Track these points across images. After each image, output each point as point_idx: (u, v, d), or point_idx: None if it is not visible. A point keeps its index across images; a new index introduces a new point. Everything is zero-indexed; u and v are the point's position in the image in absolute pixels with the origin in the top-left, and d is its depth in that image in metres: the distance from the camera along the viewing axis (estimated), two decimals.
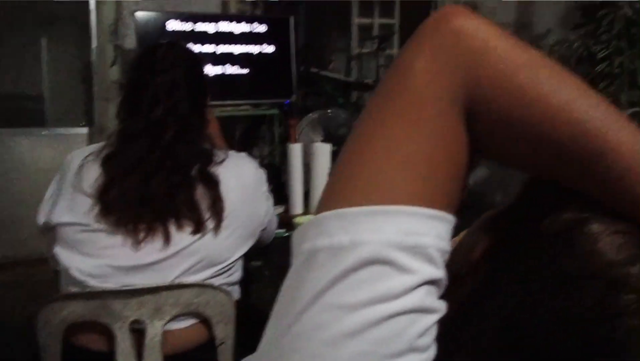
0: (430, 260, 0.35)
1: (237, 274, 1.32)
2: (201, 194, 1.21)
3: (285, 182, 2.14)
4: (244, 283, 2.17)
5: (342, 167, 0.39)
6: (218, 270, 1.24)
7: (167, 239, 1.17)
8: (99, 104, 4.21)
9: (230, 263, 1.26)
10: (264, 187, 1.38)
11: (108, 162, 1.22)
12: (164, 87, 1.26)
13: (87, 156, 1.24)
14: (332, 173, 0.40)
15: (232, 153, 1.33)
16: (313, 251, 0.35)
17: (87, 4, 4.07)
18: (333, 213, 0.36)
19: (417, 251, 0.35)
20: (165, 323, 1.18)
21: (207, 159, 1.25)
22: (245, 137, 4.18)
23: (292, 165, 1.98)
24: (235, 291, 1.32)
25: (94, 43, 4.13)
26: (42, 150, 4.06)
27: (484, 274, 0.43)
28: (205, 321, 1.22)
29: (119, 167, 1.20)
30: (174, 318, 1.19)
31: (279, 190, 2.44)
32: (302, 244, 0.37)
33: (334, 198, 0.38)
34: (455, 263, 0.40)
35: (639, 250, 0.38)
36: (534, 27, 5.21)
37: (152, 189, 1.17)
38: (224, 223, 1.22)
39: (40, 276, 1.35)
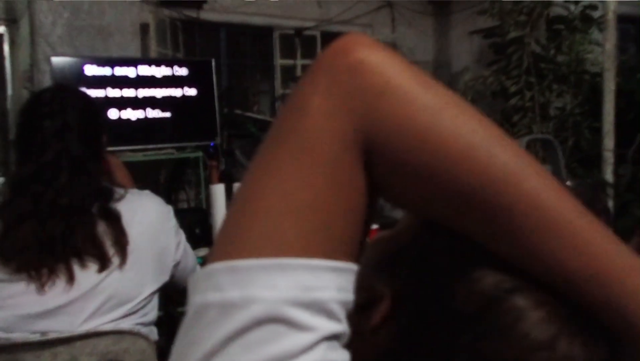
0: (330, 314, 0.33)
1: (152, 314, 1.30)
2: (103, 230, 1.20)
3: (212, 224, 2.13)
4: (170, 329, 2.13)
5: (234, 214, 0.37)
6: (129, 309, 1.22)
7: (70, 279, 1.15)
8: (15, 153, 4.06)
9: (141, 301, 1.25)
10: (171, 221, 1.37)
11: (2, 211, 1.19)
12: (53, 130, 1.25)
13: None
14: (225, 220, 0.37)
15: (133, 191, 1.34)
16: (203, 305, 0.33)
17: (1, 50, 3.96)
18: (224, 265, 0.34)
19: (315, 307, 0.32)
20: None
21: (106, 196, 1.25)
22: (170, 181, 4.13)
23: (216, 207, 1.99)
24: (153, 332, 1.30)
25: (9, 90, 4.01)
26: None
27: (390, 346, 0.41)
28: None
29: (13, 214, 1.18)
30: None
31: (206, 232, 2.43)
32: (193, 296, 0.34)
33: (226, 248, 0.35)
34: (357, 321, 0.37)
35: (561, 323, 0.35)
36: (452, 65, 5.49)
37: (49, 232, 1.16)
38: (130, 260, 1.21)
39: None
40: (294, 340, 0.31)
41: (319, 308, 0.32)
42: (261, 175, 0.36)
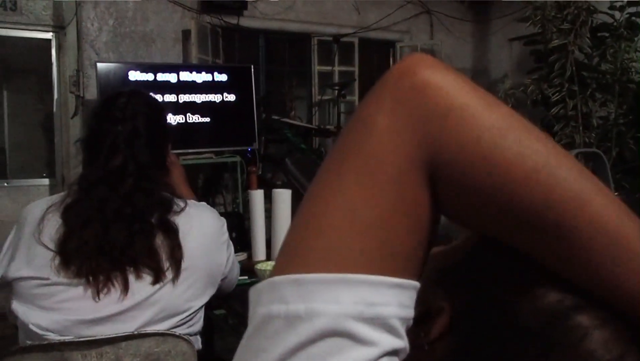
0: (391, 330, 0.33)
1: (198, 324, 1.31)
2: (160, 243, 1.21)
3: (248, 229, 2.15)
4: (207, 332, 2.16)
5: (299, 228, 0.37)
6: (178, 321, 1.23)
7: (125, 289, 1.16)
8: (60, 155, 4.19)
9: (191, 314, 1.26)
10: (225, 235, 1.37)
11: (67, 212, 1.21)
12: (124, 136, 1.26)
13: (49, 207, 1.24)
14: (289, 233, 0.38)
15: (192, 203, 1.33)
16: (267, 317, 0.34)
17: (48, 55, 4.09)
18: (289, 278, 0.34)
19: (377, 322, 0.33)
20: None
21: (167, 208, 1.25)
22: (208, 185, 4.19)
23: (254, 212, 2.01)
24: (197, 342, 1.31)
25: (56, 94, 4.14)
26: (2, 202, 4.00)
27: (450, 359, 0.41)
28: None
29: (78, 217, 1.19)
30: None
31: (243, 237, 2.45)
32: (257, 307, 0.35)
33: (290, 261, 0.36)
34: (416, 334, 0.38)
35: (625, 344, 0.35)
36: (491, 72, 5.44)
37: (111, 238, 1.17)
38: (184, 274, 1.21)
39: (1, 332, 1.32)
40: (357, 354, 0.32)
41: (381, 323, 0.33)
42: (326, 192, 0.37)
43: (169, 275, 1.19)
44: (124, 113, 1.29)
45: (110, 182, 1.22)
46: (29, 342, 1.16)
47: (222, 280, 1.37)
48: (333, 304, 0.33)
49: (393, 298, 0.34)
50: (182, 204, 1.28)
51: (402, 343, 0.34)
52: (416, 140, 0.36)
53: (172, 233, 1.21)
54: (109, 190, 1.21)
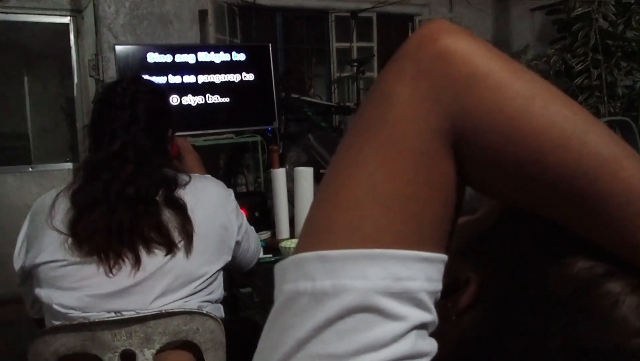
0: (419, 304, 0.33)
1: (217, 292, 1.34)
2: (169, 218, 1.24)
3: (271, 208, 2.16)
4: (232, 309, 2.18)
5: (322, 204, 0.37)
6: (196, 287, 1.26)
7: (137, 263, 1.20)
8: (83, 139, 4.23)
9: (207, 279, 1.29)
10: (232, 203, 1.40)
11: (75, 196, 1.25)
12: (122, 122, 1.29)
13: (59, 193, 1.28)
14: (312, 209, 0.37)
15: (196, 176, 1.37)
16: (294, 293, 0.34)
17: (67, 40, 4.11)
18: (314, 255, 0.34)
19: (405, 296, 0.33)
20: (156, 352, 1.19)
21: (171, 185, 1.28)
22: (229, 166, 4.21)
23: (277, 191, 2.01)
24: (219, 310, 1.35)
25: (75, 79, 4.17)
26: (28, 187, 4.07)
27: (476, 330, 0.41)
28: (195, 347, 1.23)
29: (86, 200, 1.23)
30: (164, 346, 1.20)
31: (266, 216, 2.46)
32: (283, 284, 0.35)
33: (315, 237, 0.35)
34: (443, 305, 0.38)
35: None
36: (512, 43, 5.33)
37: (117, 219, 1.20)
38: (195, 242, 1.25)
39: (26, 314, 1.37)
40: (386, 329, 0.32)
41: (409, 297, 0.33)
42: (348, 166, 0.36)
43: (181, 246, 1.23)
44: (123, 99, 1.32)
45: (112, 166, 1.25)
46: (56, 323, 1.18)
47: (237, 246, 1.39)
48: (360, 280, 0.32)
49: (421, 272, 0.34)
50: (186, 178, 1.31)
51: (430, 316, 0.34)
52: (439, 110, 0.35)
53: (179, 208, 1.25)
54: (111, 174, 1.24)
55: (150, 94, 1.38)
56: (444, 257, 0.36)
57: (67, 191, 1.27)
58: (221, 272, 1.36)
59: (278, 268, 0.36)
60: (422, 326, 0.33)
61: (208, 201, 1.33)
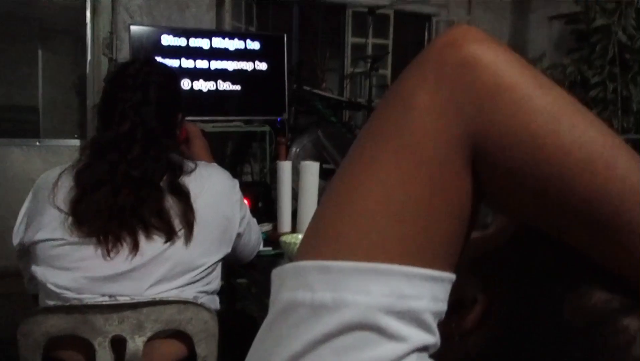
0: (422, 325, 0.31)
1: (215, 283, 1.33)
2: (171, 205, 1.23)
3: (275, 200, 2.14)
4: (229, 298, 2.17)
5: (328, 210, 0.35)
6: (193, 277, 1.25)
7: (135, 248, 1.18)
8: (92, 117, 4.22)
9: (206, 270, 1.28)
10: (237, 195, 1.39)
11: (80, 175, 1.24)
12: (133, 103, 1.28)
13: (63, 170, 1.26)
14: (318, 214, 0.35)
15: (202, 163, 1.35)
16: (292, 303, 0.32)
17: (83, 16, 4.10)
18: (316, 264, 0.32)
19: (408, 316, 0.31)
20: (147, 340, 1.18)
21: (177, 170, 1.27)
22: (236, 154, 4.19)
23: (281, 183, 1.99)
24: (215, 302, 1.33)
25: (89, 56, 4.16)
26: (34, 161, 4.07)
27: (480, 352, 0.39)
28: (187, 337, 1.22)
29: (90, 179, 1.22)
30: (156, 334, 1.19)
31: (269, 207, 2.45)
32: (280, 292, 0.33)
33: (318, 245, 0.33)
34: (447, 324, 0.35)
35: None
36: (528, 50, 5.29)
37: (120, 201, 1.19)
38: (195, 230, 1.23)
39: (24, 288, 1.36)
40: (386, 349, 0.30)
41: (413, 317, 0.31)
42: (359, 172, 0.34)
43: (181, 234, 1.21)
44: (135, 80, 1.32)
45: (120, 146, 1.24)
46: (50, 302, 1.18)
47: (238, 239, 1.38)
48: (362, 295, 0.31)
49: (426, 291, 0.32)
50: (192, 165, 1.30)
51: (433, 338, 0.32)
52: (460, 121, 0.33)
53: (183, 196, 1.24)
54: (118, 154, 1.22)
55: (162, 76, 1.37)
56: (452, 276, 0.34)
57: (72, 169, 1.26)
58: (220, 263, 1.34)
59: (276, 273, 0.34)
60: (423, 348, 0.32)
61: (212, 190, 1.31)
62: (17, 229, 1.29)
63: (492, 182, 0.34)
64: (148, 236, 1.20)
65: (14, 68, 4.98)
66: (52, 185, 1.24)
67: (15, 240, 1.29)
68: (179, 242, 1.22)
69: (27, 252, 1.26)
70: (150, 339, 1.19)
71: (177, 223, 1.22)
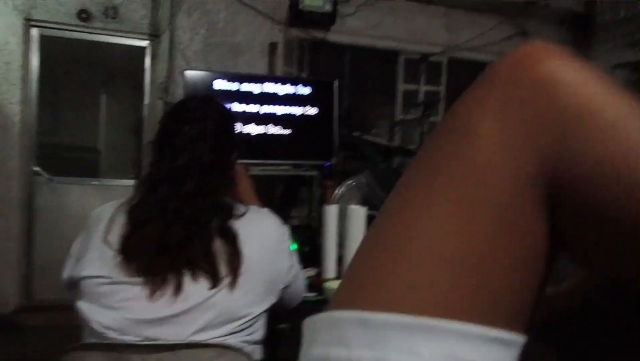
0: None
1: (259, 333, 1.28)
2: (219, 248, 1.20)
3: (320, 244, 2.11)
4: (270, 345, 2.12)
5: (371, 252, 0.30)
6: (237, 327, 1.21)
7: (178, 290, 1.15)
8: (146, 158, 4.34)
9: (250, 320, 1.23)
10: (286, 243, 1.35)
11: (132, 211, 1.23)
12: (190, 137, 1.27)
13: (118, 207, 1.26)
14: (358, 256, 0.30)
15: (253, 208, 1.32)
16: None
17: (142, 62, 4.27)
18: (354, 315, 0.27)
19: None
20: None
21: (227, 213, 1.25)
22: (283, 197, 4.20)
23: (327, 228, 1.96)
24: (256, 352, 1.28)
25: (147, 99, 4.31)
26: (92, 199, 4.20)
27: None
28: None
29: (141, 215, 1.21)
30: None
31: (314, 252, 2.42)
32: (312, 346, 0.29)
33: (358, 293, 0.29)
34: None
35: None
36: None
37: (170, 238, 1.17)
38: (241, 279, 1.19)
39: (77, 321, 1.36)
40: None
41: None
42: (409, 209, 0.29)
43: (226, 280, 1.18)
44: (194, 114, 1.31)
45: (173, 181, 1.23)
46: (91, 340, 1.17)
47: (284, 288, 1.34)
48: (409, 356, 0.25)
49: (489, 355, 0.26)
50: (243, 209, 1.28)
51: None
52: (534, 152, 0.27)
53: (231, 239, 1.21)
54: (171, 189, 1.22)
55: (220, 114, 1.37)
56: (521, 339, 0.28)
57: (126, 205, 1.26)
58: (265, 313, 1.29)
59: (308, 324, 0.30)
60: None
61: (262, 237, 1.28)
62: (67, 263, 1.29)
63: (573, 226, 0.28)
64: (193, 278, 1.17)
65: (79, 111, 5.21)
66: (107, 221, 1.24)
67: (65, 274, 1.28)
68: (224, 289, 1.18)
69: (76, 286, 1.26)
70: None
71: (223, 269, 1.19)
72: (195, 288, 1.16)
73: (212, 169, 1.27)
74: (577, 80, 0.28)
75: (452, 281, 0.27)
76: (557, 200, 0.28)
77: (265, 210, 1.37)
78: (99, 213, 1.29)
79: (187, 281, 1.16)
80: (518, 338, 0.27)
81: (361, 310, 0.27)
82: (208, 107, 1.35)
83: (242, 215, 1.26)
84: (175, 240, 1.17)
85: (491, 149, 0.28)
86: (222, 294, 1.17)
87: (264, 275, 1.26)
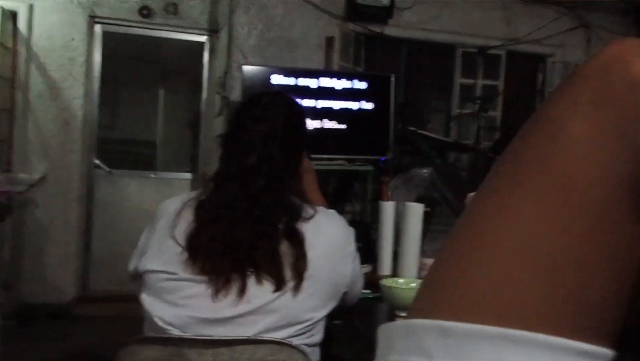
0: None
1: (318, 335, 1.26)
2: (285, 250, 1.18)
3: (375, 240, 2.08)
4: (326, 342, 2.11)
5: (452, 259, 0.29)
6: (298, 330, 1.20)
7: (242, 292, 1.15)
8: (203, 152, 4.41)
9: (311, 324, 1.22)
10: (352, 246, 1.32)
11: (200, 208, 1.23)
12: (261, 135, 1.26)
13: (185, 202, 1.26)
14: (438, 263, 0.30)
15: (321, 210, 1.29)
16: None
17: (201, 58, 4.34)
18: (434, 324, 0.27)
19: None
20: None
21: (295, 214, 1.22)
22: (338, 192, 4.19)
23: (383, 224, 1.93)
24: (315, 353, 1.26)
25: (205, 94, 4.38)
26: (149, 192, 4.30)
27: None
28: None
29: (209, 213, 1.21)
30: None
31: (368, 248, 2.39)
32: (389, 354, 0.28)
33: (436, 301, 0.28)
34: None
35: None
36: None
37: (237, 237, 1.16)
38: (306, 284, 1.17)
39: (133, 312, 1.38)
40: None
41: None
42: (493, 213, 0.28)
43: (290, 284, 1.16)
44: (265, 112, 1.30)
45: (242, 179, 1.22)
46: (152, 334, 1.18)
47: (346, 293, 1.31)
48: None
49: None
50: (311, 211, 1.25)
51: None
52: (627, 155, 0.26)
53: (297, 242, 1.18)
54: (240, 187, 1.21)
55: (292, 111, 1.36)
56: (610, 353, 0.26)
57: (195, 201, 1.25)
58: (326, 317, 1.27)
59: (384, 331, 0.29)
60: None
61: (328, 241, 1.25)
62: (134, 254, 1.30)
63: None
64: (258, 281, 1.16)
65: (138, 106, 5.36)
66: (174, 215, 1.24)
67: (131, 266, 1.29)
68: (288, 293, 1.17)
69: (140, 278, 1.27)
70: None
71: (287, 272, 1.17)
72: (259, 291, 1.15)
73: (281, 168, 1.26)
74: None
75: (538, 289, 0.26)
76: None
77: (333, 213, 1.34)
78: (167, 207, 1.29)
79: (251, 283, 1.15)
80: (607, 352, 0.26)
81: (442, 319, 0.26)
82: (279, 104, 1.33)
83: (310, 217, 1.24)
84: (242, 240, 1.16)
85: (583, 151, 0.27)
86: (285, 298, 1.16)
87: (328, 281, 1.24)
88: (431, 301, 0.28)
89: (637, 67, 0.27)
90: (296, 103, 1.45)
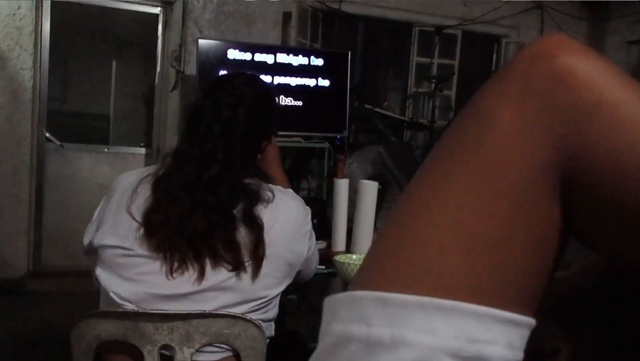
0: None
1: (273, 311, 1.29)
2: (243, 235, 1.19)
3: (330, 217, 2.12)
4: (279, 316, 2.15)
5: (392, 236, 0.31)
6: (253, 306, 1.22)
7: (201, 274, 1.16)
8: (157, 126, 4.34)
9: (266, 301, 1.24)
10: (308, 225, 1.34)
11: (158, 185, 1.22)
12: (221, 122, 1.26)
13: (142, 178, 1.25)
14: (380, 240, 0.32)
15: (278, 192, 1.30)
16: (344, 338, 0.29)
17: (155, 30, 4.24)
18: (374, 295, 0.29)
19: None
20: (194, 352, 1.17)
21: (253, 199, 1.23)
22: (294, 169, 4.21)
23: (337, 201, 1.97)
24: (270, 329, 1.29)
25: (158, 68, 4.29)
26: (102, 167, 4.22)
27: None
28: (234, 355, 1.20)
29: (167, 192, 1.21)
30: (204, 347, 1.18)
31: (323, 225, 2.43)
32: (332, 323, 0.30)
33: (378, 274, 0.30)
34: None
35: None
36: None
37: (191, 226, 1.17)
38: (263, 262, 1.20)
39: (87, 287, 1.37)
40: None
41: None
42: (430, 196, 0.30)
43: (249, 269, 1.18)
44: (229, 99, 1.29)
45: (200, 163, 1.23)
46: (107, 308, 1.18)
47: (300, 270, 1.34)
48: (426, 334, 0.27)
49: (501, 336, 0.28)
50: (269, 194, 1.26)
51: None
52: (549, 141, 0.29)
53: (256, 228, 1.20)
54: (197, 171, 1.21)
55: (258, 99, 1.33)
56: (532, 321, 0.29)
57: (152, 177, 1.25)
58: (280, 293, 1.30)
59: (329, 302, 0.31)
60: None
61: (286, 223, 1.27)
62: (89, 228, 1.29)
63: (585, 213, 0.29)
64: (215, 265, 1.17)
65: (90, 78, 5.21)
66: (131, 190, 1.23)
67: (86, 240, 1.28)
68: (246, 277, 1.19)
69: (95, 252, 1.26)
70: (199, 352, 1.18)
71: (246, 257, 1.19)
72: (216, 272, 1.17)
73: (239, 157, 1.26)
74: (593, 74, 0.29)
75: (467, 264, 0.28)
76: (570, 188, 0.29)
77: (290, 193, 1.35)
78: (123, 181, 1.28)
79: (208, 266, 1.17)
80: (529, 321, 0.29)
81: (381, 291, 0.29)
82: (246, 90, 1.31)
83: (268, 201, 1.25)
84: (197, 229, 1.17)
85: (509, 138, 0.29)
86: (242, 277, 1.18)
87: (285, 260, 1.26)
88: (371, 275, 0.30)
89: (561, 62, 0.29)
90: (266, 89, 1.43)
